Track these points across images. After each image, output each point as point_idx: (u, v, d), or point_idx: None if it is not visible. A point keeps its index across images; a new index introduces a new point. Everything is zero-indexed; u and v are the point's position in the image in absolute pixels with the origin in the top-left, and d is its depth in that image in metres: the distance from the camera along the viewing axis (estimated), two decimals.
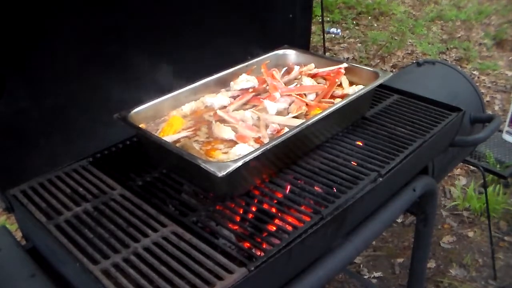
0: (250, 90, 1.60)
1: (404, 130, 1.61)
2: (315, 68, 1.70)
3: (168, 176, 1.43)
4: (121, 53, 1.58)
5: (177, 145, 1.40)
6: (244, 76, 1.63)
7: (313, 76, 1.68)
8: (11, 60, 1.36)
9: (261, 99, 1.55)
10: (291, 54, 1.84)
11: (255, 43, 1.89)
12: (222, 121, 1.48)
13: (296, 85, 1.61)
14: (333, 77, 1.63)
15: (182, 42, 1.70)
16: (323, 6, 2.83)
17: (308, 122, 1.37)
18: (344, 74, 1.69)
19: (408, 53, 4.57)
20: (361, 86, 1.59)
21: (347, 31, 4.91)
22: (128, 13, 1.55)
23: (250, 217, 1.27)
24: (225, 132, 1.42)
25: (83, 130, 1.53)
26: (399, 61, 4.41)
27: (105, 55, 1.55)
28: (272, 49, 1.84)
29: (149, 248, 1.19)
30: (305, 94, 1.57)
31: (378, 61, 4.35)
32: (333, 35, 4.78)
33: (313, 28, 4.91)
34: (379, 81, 1.58)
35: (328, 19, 4.98)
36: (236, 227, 1.22)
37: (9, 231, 1.40)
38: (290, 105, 1.52)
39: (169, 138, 1.44)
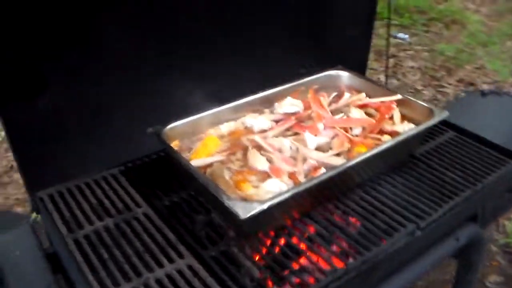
0: (294, 115, 1.52)
1: (454, 175, 1.48)
2: (366, 97, 1.57)
3: (196, 200, 1.37)
4: (172, 62, 1.53)
5: (208, 170, 1.33)
6: (289, 100, 1.54)
7: (363, 106, 1.55)
8: (53, 58, 1.33)
9: (304, 127, 1.44)
10: (344, 77, 1.73)
11: (307, 59, 1.78)
12: (259, 147, 1.38)
13: (343, 115, 1.49)
14: (383, 111, 1.50)
15: (225, 56, 1.61)
16: (390, 8, 2.62)
17: (348, 164, 1.27)
18: (397, 106, 1.55)
19: (477, 67, 4.28)
20: (412, 125, 1.49)
21: (415, 38, 4.66)
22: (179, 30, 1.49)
23: (271, 256, 1.20)
24: (260, 162, 1.34)
25: (118, 136, 1.49)
26: (466, 75, 4.14)
27: (150, 62, 1.49)
28: (325, 69, 1.71)
29: (161, 281, 1.14)
30: (350, 128, 1.44)
31: (444, 73, 4.11)
32: (400, 41, 4.55)
33: (380, 30, 4.69)
34: (433, 122, 1.44)
35: (397, 23, 4.73)
36: (255, 270, 1.14)
37: (34, 231, 1.38)
38: (333, 138, 1.40)
39: (200, 161, 1.38)
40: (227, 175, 1.33)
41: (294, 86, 1.66)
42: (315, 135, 1.40)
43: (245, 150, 1.44)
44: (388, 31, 2.32)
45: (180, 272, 1.17)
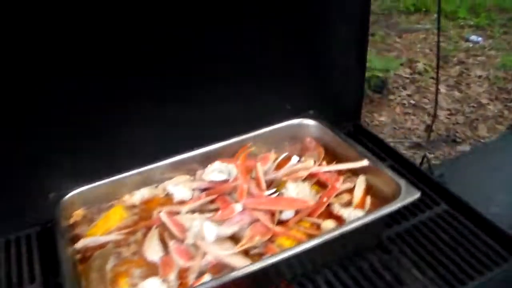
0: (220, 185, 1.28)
1: (426, 278, 1.11)
2: (316, 164, 1.25)
3: None
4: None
5: (96, 253, 1.10)
6: (217, 165, 1.25)
7: (312, 176, 1.23)
8: None
9: (227, 203, 1.17)
10: (309, 128, 1.44)
11: (293, 96, 1.50)
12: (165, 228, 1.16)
13: (276, 191, 1.19)
14: (330, 187, 1.17)
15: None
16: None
17: (253, 268, 0.99)
18: (366, 174, 1.27)
19: None
20: (362, 211, 1.20)
21: (490, 40, 4.04)
22: None
23: None
24: (152, 250, 1.11)
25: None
26: None
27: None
28: (292, 115, 1.42)
29: None
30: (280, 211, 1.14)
31: None
32: (472, 44, 3.98)
33: (451, 32, 4.12)
34: (389, 209, 1.10)
35: (472, 23, 4.13)
36: None
37: None
38: (251, 224, 1.11)
39: (91, 240, 1.17)
40: (111, 263, 1.10)
41: (239, 142, 1.36)
42: (225, 219, 1.11)
43: (149, 228, 1.19)
44: (438, 41, 1.76)
45: None
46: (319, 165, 1.31)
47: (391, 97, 3.46)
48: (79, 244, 1.17)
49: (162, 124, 1.37)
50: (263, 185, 1.24)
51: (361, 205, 1.22)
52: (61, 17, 1.15)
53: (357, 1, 1.49)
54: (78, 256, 1.16)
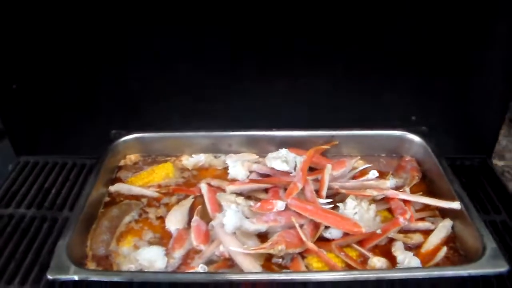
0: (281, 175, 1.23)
1: None
2: (394, 189, 1.13)
3: None
4: None
5: (122, 203, 1.17)
6: (284, 152, 1.21)
7: (386, 200, 1.13)
8: None
9: (280, 197, 1.13)
10: (412, 144, 1.32)
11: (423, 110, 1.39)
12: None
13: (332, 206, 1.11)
14: (395, 218, 1.06)
15: None
16: None
17: (253, 277, 0.96)
18: (451, 218, 1.11)
19: None
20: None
21: None
22: None
23: None
24: (173, 220, 1.12)
25: None
26: None
27: None
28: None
29: None
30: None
31: None
32: None
33: None
34: (455, 272, 0.96)
35: None
36: None
37: None
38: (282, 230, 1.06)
39: (127, 188, 1.21)
40: (130, 218, 1.14)
41: (326, 136, 1.31)
42: (260, 213, 1.06)
43: (188, 196, 1.21)
44: None
45: None
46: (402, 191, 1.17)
47: None
48: (113, 188, 1.22)
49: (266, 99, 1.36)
50: (324, 191, 1.13)
51: (432, 254, 1.05)
52: None
53: None
54: (107, 199, 1.20)
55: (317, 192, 1.13)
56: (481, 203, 1.23)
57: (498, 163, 1.54)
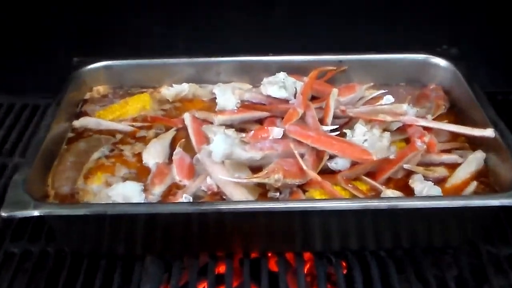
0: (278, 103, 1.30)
1: None
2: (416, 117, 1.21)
3: None
4: None
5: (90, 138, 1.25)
6: (282, 77, 1.28)
7: (403, 130, 1.20)
8: None
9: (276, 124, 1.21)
10: (438, 69, 1.38)
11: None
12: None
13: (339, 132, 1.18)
14: (411, 142, 1.13)
15: None
16: None
17: (247, 207, 1.02)
18: (482, 148, 1.18)
19: None
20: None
21: None
22: None
23: None
24: (151, 153, 1.20)
25: None
26: None
27: None
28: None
29: None
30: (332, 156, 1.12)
31: None
32: None
33: None
34: (485, 201, 1.02)
35: None
36: None
37: None
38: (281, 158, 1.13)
39: (96, 122, 1.30)
40: (99, 153, 1.22)
41: (333, 61, 1.38)
42: (254, 142, 1.13)
43: (168, 129, 1.28)
44: None
45: None
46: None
47: None
48: (78, 122, 1.27)
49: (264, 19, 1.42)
50: (328, 118, 1.19)
51: (458, 189, 1.11)
52: None
53: None
54: (71, 135, 1.26)
55: (321, 121, 1.19)
56: None
57: None
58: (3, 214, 0.95)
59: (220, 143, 1.07)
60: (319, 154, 1.12)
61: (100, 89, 1.37)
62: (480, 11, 1.45)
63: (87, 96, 1.37)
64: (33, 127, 1.38)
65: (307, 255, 1.13)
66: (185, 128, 1.25)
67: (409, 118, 1.18)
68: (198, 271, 1.09)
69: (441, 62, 1.35)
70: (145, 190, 1.10)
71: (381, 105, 1.25)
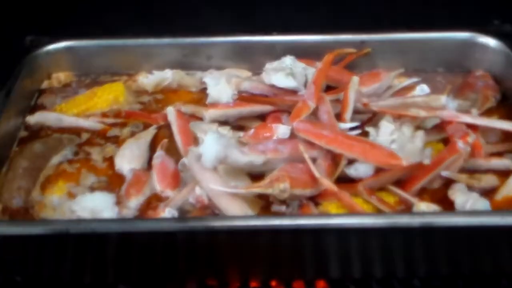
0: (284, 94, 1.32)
1: None
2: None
3: None
4: None
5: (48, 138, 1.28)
6: (289, 62, 1.31)
7: (441, 128, 1.22)
8: None
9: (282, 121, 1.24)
10: (487, 51, 1.40)
11: None
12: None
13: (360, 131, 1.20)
14: (452, 143, 1.15)
15: None
16: None
17: (243, 223, 1.04)
18: None
19: None
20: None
21: None
22: None
23: None
24: (126, 158, 1.22)
25: None
26: None
27: None
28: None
29: None
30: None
31: None
32: None
33: None
34: None
35: None
36: None
37: None
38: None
39: (56, 117, 1.33)
40: (60, 157, 1.25)
41: (353, 41, 1.41)
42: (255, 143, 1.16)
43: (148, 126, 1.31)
44: None
45: None
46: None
47: None
48: (33, 118, 1.30)
49: None
50: (347, 114, 1.22)
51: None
52: None
53: None
54: (24, 133, 1.30)
55: (338, 117, 1.22)
56: None
57: None
58: None
59: (212, 144, 1.10)
60: (335, 159, 1.16)
61: (61, 76, 1.40)
62: None
63: (45, 85, 1.40)
64: None
65: (320, 284, 1.14)
66: (168, 125, 1.28)
67: (448, 113, 1.21)
68: None
69: (491, 41, 1.38)
70: (118, 202, 1.14)
71: (413, 97, 1.28)
